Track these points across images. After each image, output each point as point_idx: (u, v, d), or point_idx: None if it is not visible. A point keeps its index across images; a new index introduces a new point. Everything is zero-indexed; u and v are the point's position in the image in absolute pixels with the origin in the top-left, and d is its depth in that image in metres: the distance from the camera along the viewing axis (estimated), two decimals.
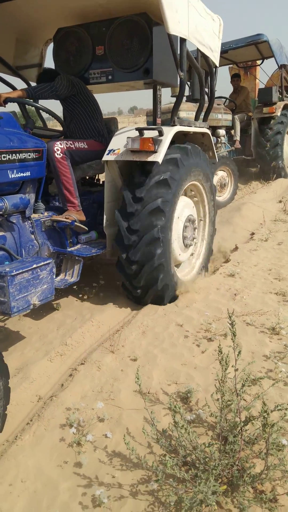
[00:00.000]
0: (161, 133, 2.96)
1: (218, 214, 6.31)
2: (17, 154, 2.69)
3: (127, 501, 1.61)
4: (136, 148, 2.92)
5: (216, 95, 8.75)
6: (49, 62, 4.12)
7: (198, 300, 3.27)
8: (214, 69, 3.88)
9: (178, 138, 3.38)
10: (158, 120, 3.44)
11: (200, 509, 1.53)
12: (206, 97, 3.94)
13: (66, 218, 3.11)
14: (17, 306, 2.35)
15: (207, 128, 3.81)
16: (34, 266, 2.47)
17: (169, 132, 3.03)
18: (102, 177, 3.50)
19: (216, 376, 1.84)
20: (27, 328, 3.00)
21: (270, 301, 3.19)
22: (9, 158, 2.62)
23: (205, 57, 3.66)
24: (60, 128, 3.87)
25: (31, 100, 3.34)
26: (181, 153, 3.17)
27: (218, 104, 7.31)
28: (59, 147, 3.07)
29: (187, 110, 5.83)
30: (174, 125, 3.18)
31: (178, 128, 3.17)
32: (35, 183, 2.96)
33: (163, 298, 3.15)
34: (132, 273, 3.04)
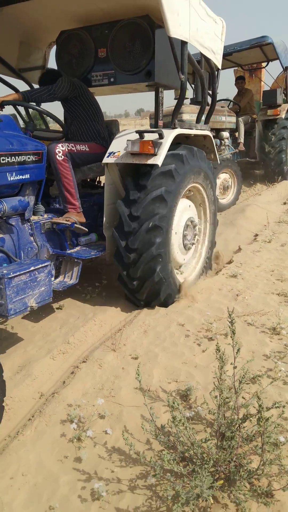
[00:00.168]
0: (161, 136, 2.98)
1: (222, 216, 6.36)
2: (17, 157, 2.70)
3: (126, 495, 1.64)
4: (135, 151, 2.94)
5: (220, 97, 8.80)
6: (52, 65, 4.17)
7: (200, 300, 3.29)
8: (216, 71, 3.91)
9: (180, 141, 3.39)
10: (160, 122, 3.45)
11: (197, 503, 1.56)
12: (209, 99, 3.96)
13: (66, 220, 3.12)
14: (14, 308, 2.36)
15: (209, 131, 3.82)
16: (32, 268, 2.47)
17: (169, 135, 3.04)
18: (103, 180, 3.53)
19: (215, 375, 1.87)
20: (30, 327, 3.04)
21: (271, 301, 3.21)
22: (8, 161, 2.63)
23: (207, 60, 3.68)
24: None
25: (33, 103, 3.36)
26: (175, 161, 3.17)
27: (222, 107, 7.32)
28: (60, 149, 3.09)
29: (191, 113, 5.85)
30: (174, 127, 3.20)
31: (178, 130, 3.18)
32: (34, 186, 2.98)
33: (159, 292, 3.11)
34: (129, 261, 3.02)
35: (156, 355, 2.52)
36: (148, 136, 2.99)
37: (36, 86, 4.09)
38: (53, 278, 3.06)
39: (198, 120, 3.78)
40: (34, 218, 3.03)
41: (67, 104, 3.55)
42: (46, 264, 2.59)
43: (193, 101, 5.98)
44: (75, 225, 3.14)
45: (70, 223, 3.10)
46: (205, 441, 1.64)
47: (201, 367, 2.40)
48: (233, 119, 7.49)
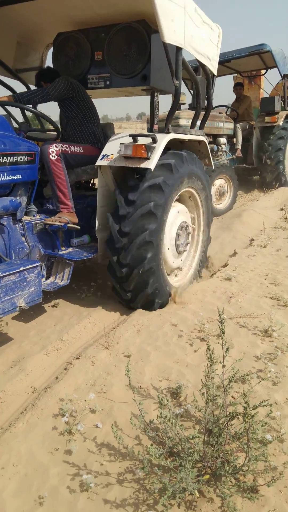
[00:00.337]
0: (154, 140, 2.98)
1: (219, 220, 6.42)
2: (8, 157, 2.69)
3: (114, 487, 1.68)
4: (128, 154, 2.95)
5: (219, 104, 8.88)
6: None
7: (194, 301, 3.34)
8: (212, 77, 3.92)
9: (175, 146, 3.40)
10: (155, 127, 3.46)
11: (183, 496, 1.60)
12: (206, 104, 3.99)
13: (58, 221, 3.12)
14: (3, 308, 2.37)
15: (203, 136, 3.83)
16: (22, 268, 2.48)
17: (163, 140, 3.05)
18: (97, 182, 3.57)
19: (205, 373, 1.91)
20: (25, 323, 3.08)
21: (264, 304, 3.26)
22: None
23: (202, 66, 3.70)
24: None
25: (29, 105, 3.34)
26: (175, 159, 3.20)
27: (220, 113, 7.39)
28: (54, 149, 3.10)
29: (188, 118, 5.90)
30: (168, 132, 3.20)
31: (172, 135, 3.19)
32: (27, 186, 2.97)
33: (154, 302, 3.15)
34: (122, 275, 3.05)
35: (148, 353, 2.56)
36: (141, 140, 3.00)
37: (33, 87, 4.14)
38: (44, 279, 3.09)
39: (192, 125, 3.81)
40: (26, 218, 3.03)
41: (63, 104, 3.57)
42: (36, 264, 2.60)
43: (191, 107, 6.04)
44: (68, 225, 3.14)
45: (63, 224, 3.11)
46: (193, 437, 1.68)
47: (193, 366, 2.44)
48: (231, 125, 7.56)
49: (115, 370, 2.39)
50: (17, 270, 2.45)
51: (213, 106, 8.56)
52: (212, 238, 4.17)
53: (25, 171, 2.86)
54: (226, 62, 7.95)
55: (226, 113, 8.01)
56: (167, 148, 3.17)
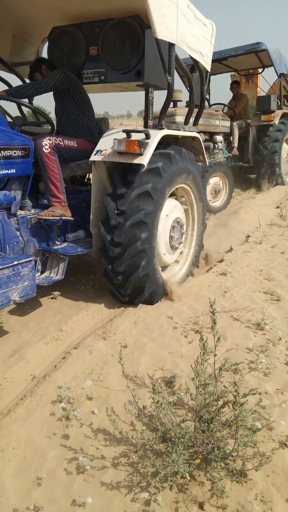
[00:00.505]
0: (148, 136, 3.00)
1: (216, 217, 6.49)
2: (2, 151, 2.69)
3: (109, 470, 1.75)
4: (122, 150, 2.96)
5: (216, 102, 8.91)
6: None
7: (189, 295, 3.41)
8: (206, 74, 3.94)
9: (169, 142, 3.42)
10: (150, 123, 3.46)
11: (175, 479, 1.67)
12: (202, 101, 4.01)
13: (51, 215, 3.13)
14: None
15: (197, 132, 3.84)
16: (15, 262, 2.50)
17: (156, 136, 3.06)
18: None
19: (198, 361, 1.98)
20: (25, 314, 3.15)
21: (258, 299, 3.33)
22: None
23: (195, 62, 3.71)
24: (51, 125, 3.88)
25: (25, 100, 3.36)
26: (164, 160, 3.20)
27: (216, 111, 7.42)
28: (47, 142, 3.11)
29: (184, 115, 5.94)
30: (161, 128, 3.22)
31: (165, 131, 3.21)
32: (21, 180, 2.99)
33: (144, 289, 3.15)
34: (114, 255, 3.04)
35: (144, 344, 2.64)
36: (135, 136, 3.01)
37: (28, 81, 4.14)
38: (39, 273, 3.10)
39: (186, 122, 3.81)
40: (20, 213, 3.03)
41: (58, 95, 3.58)
42: (30, 259, 2.62)
43: (188, 103, 6.07)
44: (62, 218, 3.16)
45: (57, 218, 3.12)
46: (183, 421, 1.75)
47: (187, 357, 2.51)
48: (227, 123, 7.59)
49: (112, 359, 2.46)
50: (11, 264, 2.47)
51: (210, 104, 8.59)
52: (209, 235, 4.22)
53: (19, 166, 2.87)
54: (223, 60, 7.99)
55: (222, 111, 8.04)
56: (163, 145, 3.17)
